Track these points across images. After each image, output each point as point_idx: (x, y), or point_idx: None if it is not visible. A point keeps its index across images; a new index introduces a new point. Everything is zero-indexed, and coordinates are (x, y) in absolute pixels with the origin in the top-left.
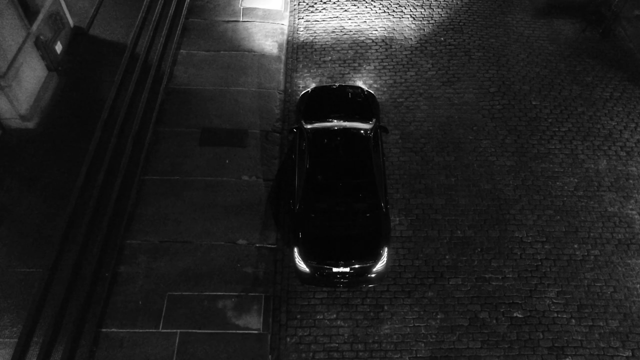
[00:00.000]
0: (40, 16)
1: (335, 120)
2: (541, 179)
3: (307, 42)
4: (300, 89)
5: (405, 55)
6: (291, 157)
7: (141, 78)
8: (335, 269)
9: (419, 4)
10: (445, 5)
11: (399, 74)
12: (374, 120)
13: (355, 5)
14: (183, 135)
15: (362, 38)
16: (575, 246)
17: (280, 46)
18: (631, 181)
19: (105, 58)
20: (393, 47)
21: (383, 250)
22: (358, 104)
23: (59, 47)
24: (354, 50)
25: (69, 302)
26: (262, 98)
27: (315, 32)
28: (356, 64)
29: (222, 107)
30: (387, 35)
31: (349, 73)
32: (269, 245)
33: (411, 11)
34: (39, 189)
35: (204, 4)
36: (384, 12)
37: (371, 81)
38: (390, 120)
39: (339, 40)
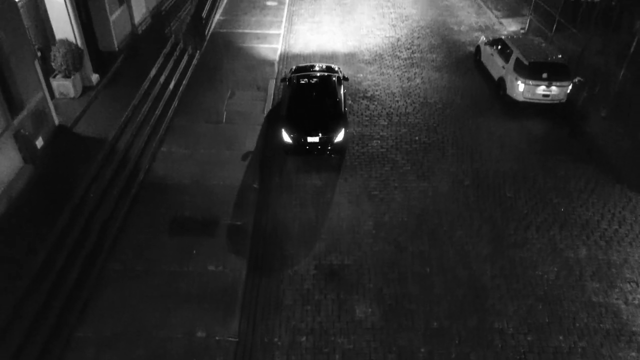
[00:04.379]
0: (24, 112)
1: (312, 73)
2: (520, 268)
3: None
4: (276, 182)
5: (381, 152)
6: (283, 97)
7: (118, 171)
8: (309, 139)
9: (394, 110)
10: (419, 110)
11: (375, 168)
12: (337, 73)
13: None
14: (152, 225)
15: None
16: (561, 337)
17: (259, 145)
18: (613, 270)
19: (86, 153)
20: (369, 145)
21: (340, 129)
22: (327, 67)
23: (39, 142)
24: None
25: None
26: (239, 191)
27: None
28: (331, 161)
29: (196, 199)
30: (364, 135)
31: (326, 170)
32: (230, 339)
33: (387, 114)
34: None
35: (190, 107)
36: (362, 114)
37: (347, 175)
38: (363, 212)
39: None
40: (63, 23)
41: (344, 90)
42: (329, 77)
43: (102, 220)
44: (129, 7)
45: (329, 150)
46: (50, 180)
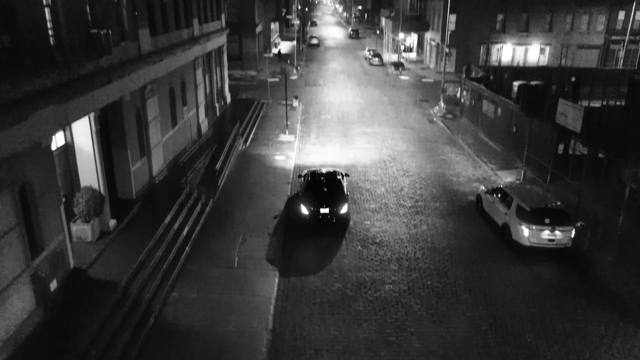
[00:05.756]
0: (44, 254)
1: (322, 170)
2: None
3: (297, 285)
4: (290, 326)
5: (395, 297)
6: (301, 188)
7: (129, 316)
8: (321, 210)
9: (403, 255)
10: (428, 255)
11: (389, 314)
12: (341, 172)
13: (343, 253)
14: None
15: (352, 289)
16: None
17: (270, 289)
18: None
19: (98, 298)
20: (382, 290)
21: (344, 204)
22: (333, 169)
23: (53, 285)
24: (342, 293)
25: None
26: (249, 337)
27: (306, 273)
28: (346, 306)
29: (206, 345)
30: (376, 279)
31: (339, 314)
32: None
33: (397, 259)
34: None
35: (202, 253)
36: (372, 259)
37: (362, 320)
38: (382, 359)
39: (328, 270)
40: (89, 171)
41: (346, 182)
42: (335, 172)
43: None
44: (149, 160)
45: (335, 220)
46: (60, 324)
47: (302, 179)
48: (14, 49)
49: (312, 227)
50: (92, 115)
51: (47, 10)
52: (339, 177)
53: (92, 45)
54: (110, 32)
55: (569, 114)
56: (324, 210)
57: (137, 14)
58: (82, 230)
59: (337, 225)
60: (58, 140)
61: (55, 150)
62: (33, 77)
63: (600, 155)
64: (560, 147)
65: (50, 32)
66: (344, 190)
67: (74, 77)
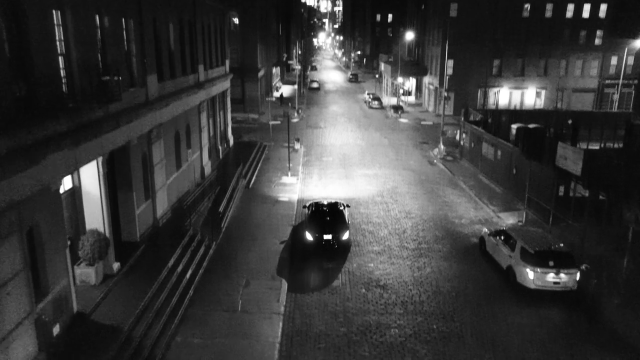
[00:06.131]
0: (49, 297)
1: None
2: None
3: (302, 330)
4: None
5: (400, 342)
6: (306, 217)
7: None
8: (325, 236)
9: (408, 298)
10: (433, 298)
11: (395, 359)
12: (343, 203)
13: (346, 297)
14: None
15: (358, 333)
16: None
17: (274, 334)
18: None
19: (100, 343)
20: (387, 334)
21: (345, 231)
22: (335, 201)
23: (56, 329)
24: (347, 337)
25: None
26: None
27: (310, 317)
28: (351, 351)
29: None
30: (381, 323)
31: (344, 358)
32: None
33: (402, 303)
34: None
35: (206, 296)
36: (377, 303)
37: None
38: None
39: (332, 314)
40: (95, 214)
41: (347, 212)
42: (337, 203)
43: None
44: (154, 202)
45: (337, 245)
46: None
47: (307, 209)
48: (28, 95)
49: (316, 254)
50: (100, 159)
51: (60, 59)
52: (341, 207)
53: (102, 92)
54: (120, 79)
55: (569, 157)
56: (327, 237)
57: (146, 61)
58: (86, 273)
59: (338, 250)
60: (66, 184)
61: (63, 193)
62: (45, 122)
63: (601, 197)
64: (561, 189)
65: (63, 79)
66: (345, 219)
67: (84, 122)
